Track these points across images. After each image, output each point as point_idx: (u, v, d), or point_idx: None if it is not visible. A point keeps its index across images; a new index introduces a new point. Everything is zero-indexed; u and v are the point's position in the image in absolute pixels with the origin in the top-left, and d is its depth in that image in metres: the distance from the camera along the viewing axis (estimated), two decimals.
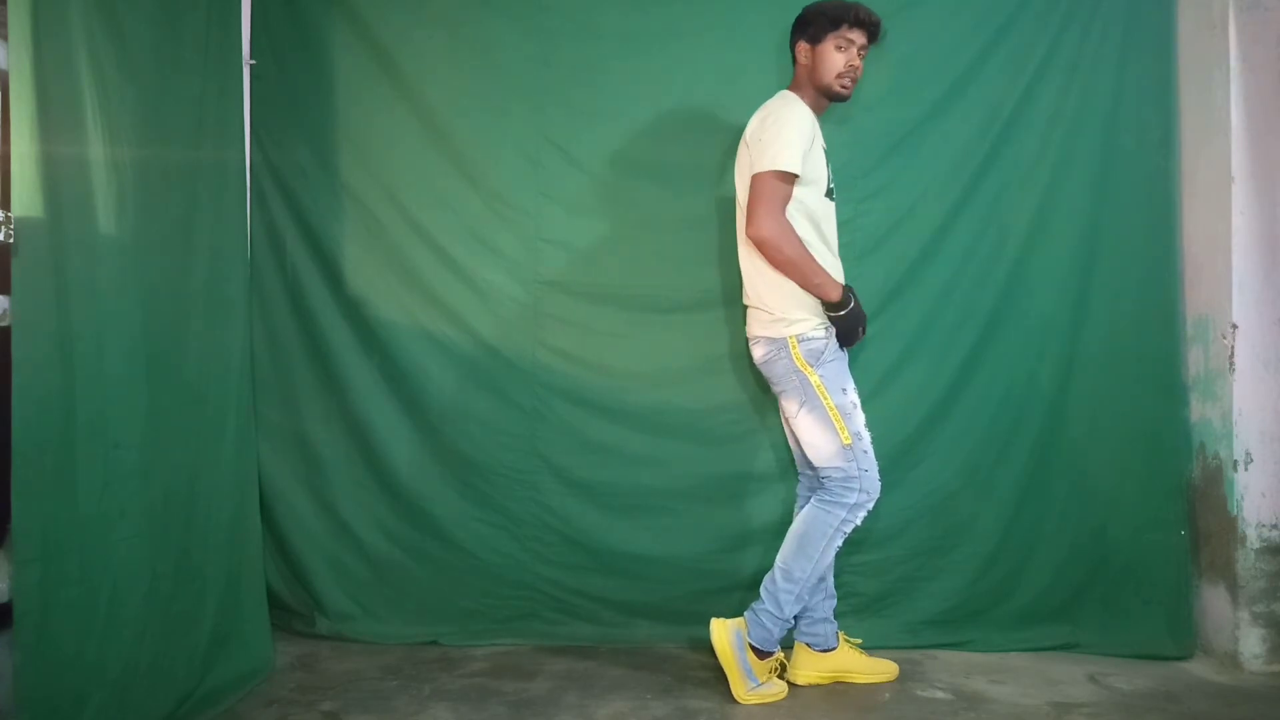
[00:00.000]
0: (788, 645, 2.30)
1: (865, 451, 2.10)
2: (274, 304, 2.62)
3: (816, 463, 2.14)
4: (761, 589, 2.17)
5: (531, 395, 2.58)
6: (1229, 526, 2.40)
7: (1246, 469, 2.38)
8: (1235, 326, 2.39)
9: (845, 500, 2.09)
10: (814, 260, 2.06)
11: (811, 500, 2.16)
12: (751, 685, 2.12)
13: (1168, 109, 2.57)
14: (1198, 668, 2.38)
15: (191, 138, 2.07)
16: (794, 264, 2.04)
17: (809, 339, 2.09)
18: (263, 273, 2.60)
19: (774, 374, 2.16)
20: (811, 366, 2.08)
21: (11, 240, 1.53)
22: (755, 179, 2.05)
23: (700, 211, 2.59)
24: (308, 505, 2.60)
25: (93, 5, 1.70)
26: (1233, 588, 2.38)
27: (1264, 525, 2.37)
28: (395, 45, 2.59)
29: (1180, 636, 2.46)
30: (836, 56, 2.13)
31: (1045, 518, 2.55)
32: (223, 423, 2.14)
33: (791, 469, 2.58)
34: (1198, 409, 2.52)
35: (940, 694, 2.19)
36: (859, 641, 2.34)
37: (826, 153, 2.19)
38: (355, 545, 2.58)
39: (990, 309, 2.56)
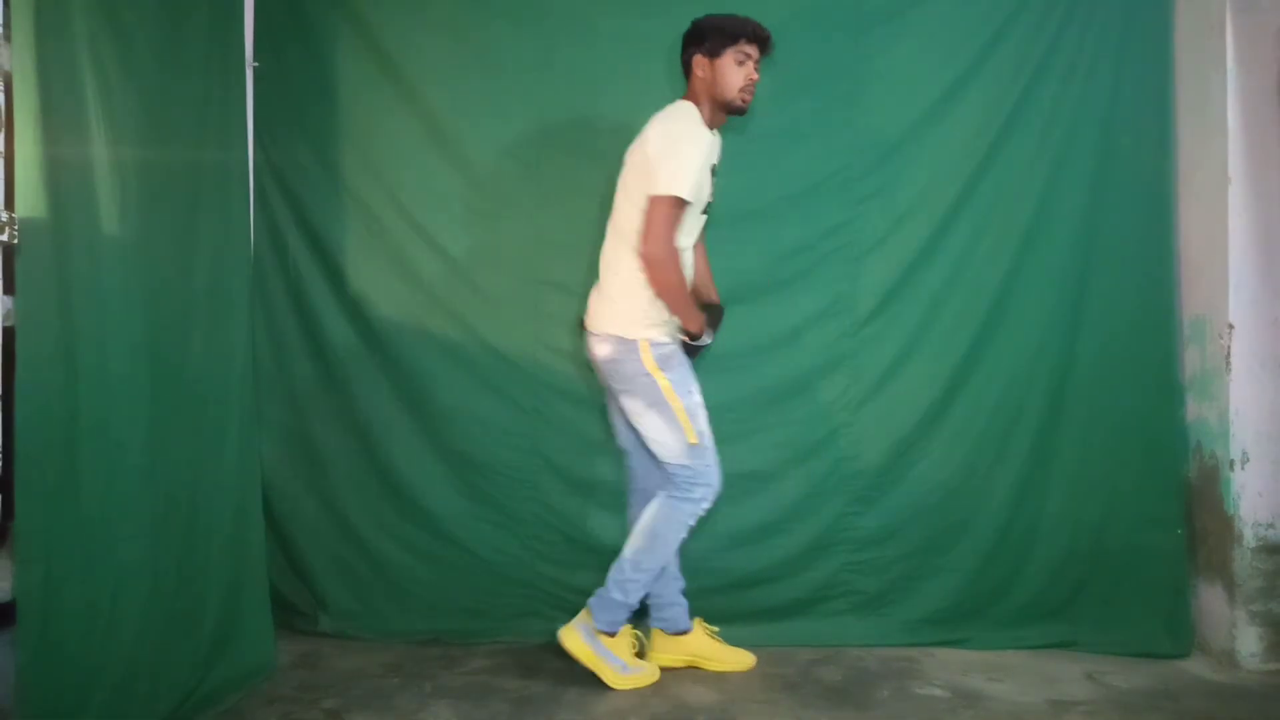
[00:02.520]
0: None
1: (709, 449, 2.19)
2: (276, 304, 2.63)
3: (664, 459, 2.20)
4: (609, 579, 2.23)
5: (532, 395, 2.59)
6: (1226, 526, 2.41)
7: (1243, 468, 2.38)
8: (1232, 327, 2.40)
9: (692, 495, 2.18)
10: (687, 292, 2.16)
11: (661, 495, 2.23)
12: (620, 669, 2.20)
13: (1165, 110, 2.57)
14: (1195, 666, 2.39)
15: (194, 138, 2.08)
16: (672, 291, 2.11)
17: (660, 344, 2.16)
18: (265, 273, 2.61)
19: (620, 373, 2.19)
20: (661, 370, 2.14)
21: (15, 241, 1.54)
22: (654, 200, 2.07)
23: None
24: (310, 504, 2.61)
25: (95, 6, 1.70)
26: (1229, 587, 2.39)
27: (1260, 524, 2.37)
28: (397, 47, 2.60)
29: (1177, 635, 2.46)
30: (737, 71, 2.15)
31: (1043, 517, 2.56)
32: (225, 422, 2.15)
33: (791, 468, 2.60)
34: (1194, 409, 2.53)
35: (938, 692, 2.20)
36: (716, 630, 2.38)
37: (715, 168, 2.21)
38: (357, 543, 2.59)
39: (988, 309, 2.57)
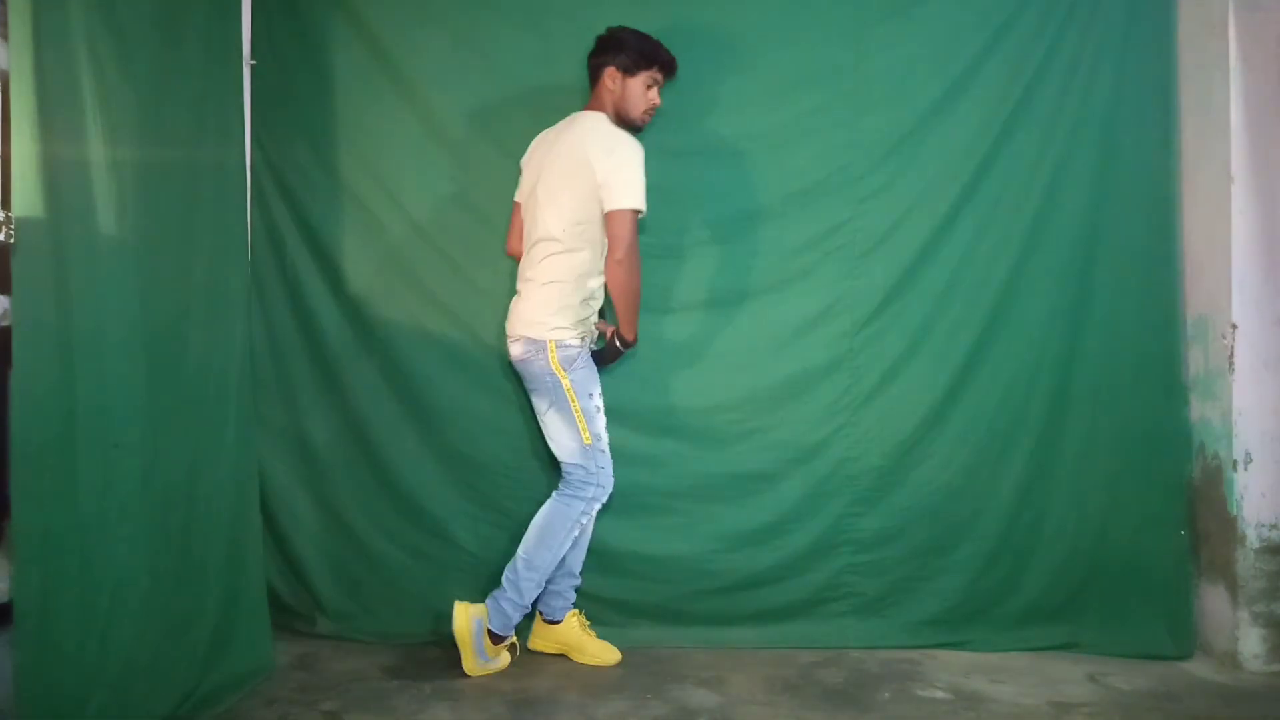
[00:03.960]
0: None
1: (603, 451, 2.29)
2: (274, 304, 2.62)
3: (560, 458, 2.31)
4: (504, 578, 2.30)
5: None
6: (1229, 526, 2.40)
7: (1246, 469, 2.38)
8: (1235, 326, 2.39)
9: (583, 494, 2.28)
10: (637, 303, 2.27)
11: (554, 495, 2.32)
12: (483, 660, 2.28)
13: (1168, 109, 2.56)
14: (1197, 668, 2.38)
15: (192, 138, 2.07)
16: (631, 298, 2.25)
17: (566, 345, 2.24)
18: (263, 272, 2.61)
19: (530, 373, 2.29)
20: (565, 371, 2.24)
21: (12, 240, 1.53)
22: (619, 216, 2.18)
23: (700, 212, 2.59)
24: (308, 505, 2.60)
25: (93, 6, 1.70)
26: (1232, 587, 2.38)
27: (1264, 525, 2.37)
28: (396, 45, 2.60)
29: (1180, 636, 2.46)
30: (644, 95, 2.31)
31: (1045, 518, 2.55)
32: (223, 422, 2.14)
33: (792, 469, 2.59)
34: (1197, 409, 2.52)
35: (940, 694, 2.20)
36: (589, 623, 2.44)
37: None
38: (355, 544, 2.59)
39: (990, 309, 2.56)
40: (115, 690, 1.69)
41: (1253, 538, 2.36)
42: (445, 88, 2.59)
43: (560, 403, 2.25)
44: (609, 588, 2.56)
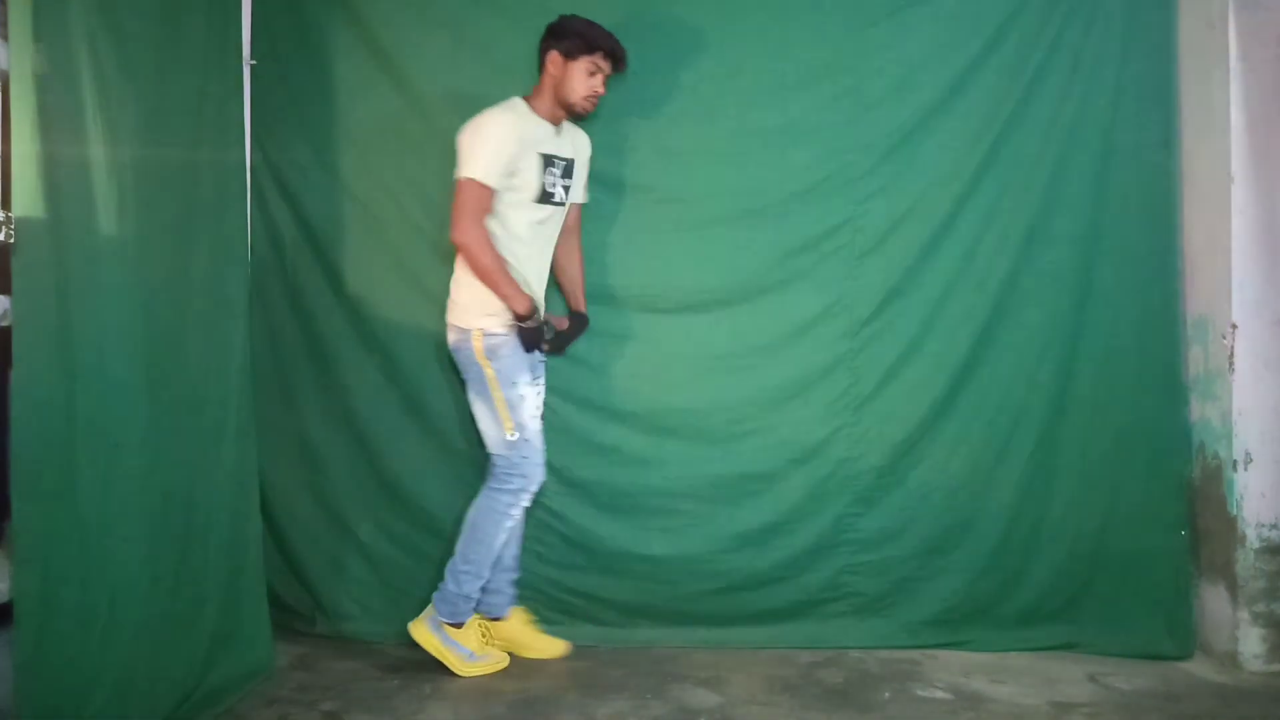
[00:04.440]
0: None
1: (528, 441, 2.27)
2: (274, 304, 2.62)
3: (488, 448, 2.31)
4: (446, 570, 2.33)
5: None
6: (1229, 526, 2.40)
7: (1246, 469, 2.38)
8: (1235, 326, 2.39)
9: (508, 486, 2.27)
10: (505, 273, 2.22)
11: (483, 487, 2.33)
12: (465, 656, 2.28)
13: (1168, 108, 2.56)
14: (1197, 668, 2.38)
15: (192, 138, 2.07)
16: (487, 272, 2.20)
17: (491, 334, 2.24)
18: (263, 273, 2.60)
19: (459, 361, 2.32)
20: (489, 360, 2.24)
21: (12, 240, 1.53)
22: (457, 184, 2.20)
23: (700, 212, 2.59)
24: (308, 505, 2.60)
25: (93, 5, 1.70)
26: (1232, 587, 2.38)
27: (1264, 525, 2.36)
28: (396, 45, 2.59)
29: (1180, 636, 2.45)
30: (585, 80, 2.30)
31: (1045, 518, 2.55)
32: (223, 423, 2.14)
33: (792, 469, 2.59)
34: (1197, 409, 2.52)
35: (940, 694, 2.20)
36: (533, 618, 2.47)
37: (552, 159, 2.30)
38: (355, 545, 2.59)
39: (990, 309, 2.56)
40: (115, 690, 1.69)
41: (1253, 538, 2.36)
42: (446, 88, 2.58)
43: (484, 392, 2.26)
44: (609, 588, 2.56)
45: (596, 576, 2.55)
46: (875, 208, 2.57)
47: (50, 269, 1.59)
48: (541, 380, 2.45)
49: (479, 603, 2.38)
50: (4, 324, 1.60)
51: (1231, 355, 2.39)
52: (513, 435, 2.25)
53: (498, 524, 2.29)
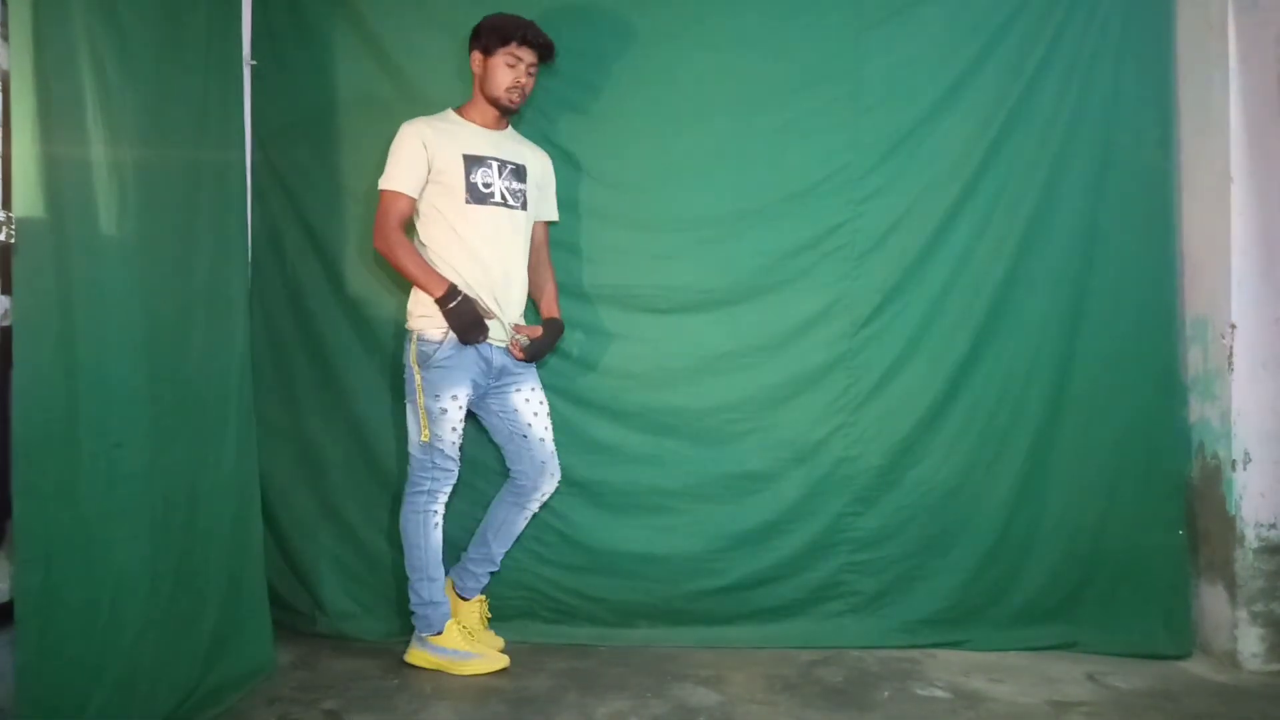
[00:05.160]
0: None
1: (444, 452, 2.29)
2: (275, 304, 2.62)
3: (408, 446, 2.33)
4: (409, 593, 2.36)
5: None
6: (1227, 526, 2.40)
7: (1245, 469, 2.38)
8: (1234, 326, 2.40)
9: (421, 487, 2.31)
10: (421, 265, 2.24)
11: (534, 507, 2.42)
12: (457, 658, 2.29)
13: (1166, 109, 2.57)
14: (1196, 667, 2.39)
15: (192, 138, 2.07)
16: (405, 270, 2.25)
17: (423, 340, 2.26)
18: (263, 272, 2.61)
19: (403, 360, 2.33)
20: (418, 366, 2.26)
21: (13, 240, 1.53)
22: (379, 194, 2.27)
23: (700, 212, 2.59)
24: (308, 504, 2.60)
25: (94, 5, 1.70)
26: (1231, 587, 2.38)
27: (1262, 525, 2.37)
28: (396, 46, 2.60)
29: (1178, 636, 2.46)
30: (506, 72, 2.30)
31: (1043, 517, 2.55)
32: (224, 422, 2.14)
33: (791, 468, 2.59)
34: (1196, 409, 2.52)
35: (939, 693, 2.20)
36: (490, 618, 2.49)
37: (482, 160, 2.29)
38: (355, 544, 2.59)
39: (988, 308, 2.56)
40: (116, 690, 1.69)
41: (1251, 537, 2.37)
42: (445, 88, 2.58)
43: (411, 396, 2.28)
44: (609, 587, 2.57)
45: (596, 576, 2.56)
46: (874, 208, 2.58)
47: (51, 269, 1.59)
48: (535, 388, 2.41)
49: (453, 573, 2.44)
50: (5, 324, 1.60)
51: (1230, 355, 2.40)
52: (427, 441, 2.27)
53: (421, 524, 2.31)
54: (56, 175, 1.60)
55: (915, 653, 2.47)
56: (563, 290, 2.57)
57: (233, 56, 2.31)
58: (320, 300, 2.61)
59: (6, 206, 1.57)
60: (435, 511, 2.34)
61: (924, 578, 2.56)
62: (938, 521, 2.57)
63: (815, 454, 2.58)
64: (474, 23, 2.60)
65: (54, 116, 1.60)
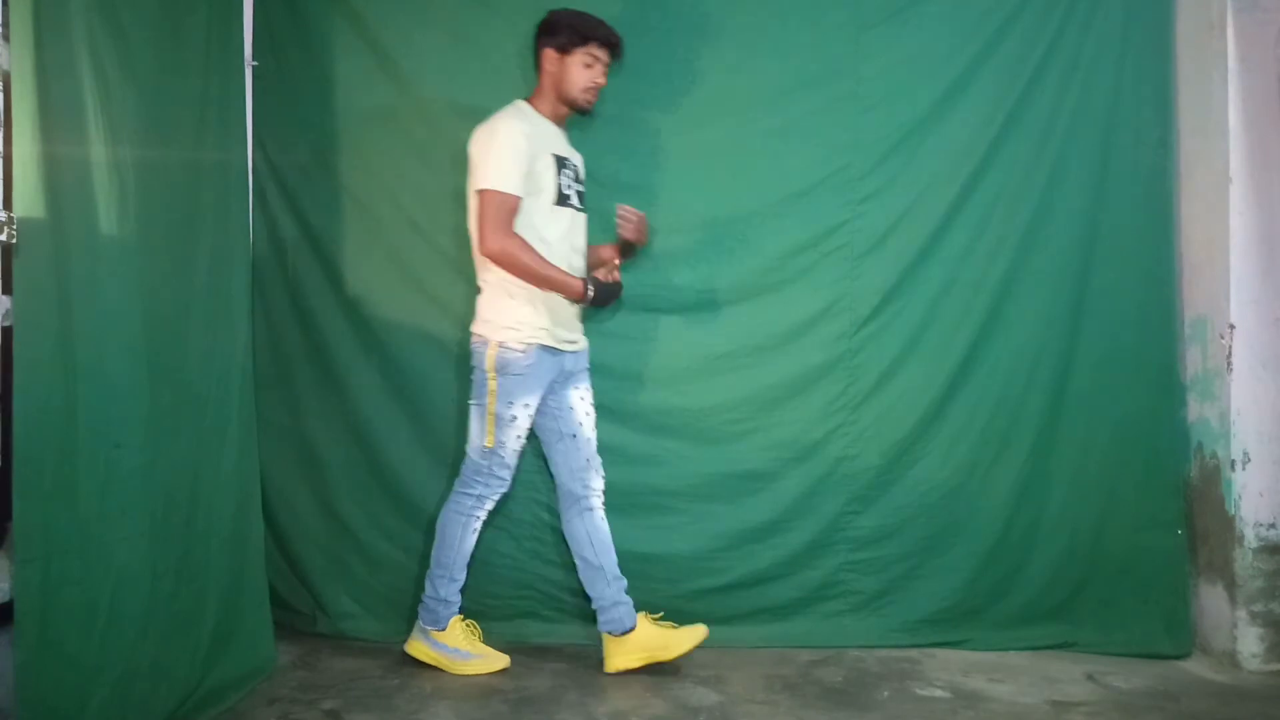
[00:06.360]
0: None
1: (503, 460, 2.27)
2: (275, 304, 2.62)
3: (467, 447, 2.31)
4: (426, 584, 2.34)
5: None
6: (1227, 526, 2.40)
7: (1244, 468, 2.38)
8: (1233, 327, 2.40)
9: (472, 490, 2.29)
10: (549, 265, 2.19)
11: (597, 502, 2.37)
12: (459, 657, 2.29)
13: (1166, 109, 2.57)
14: (1195, 667, 2.39)
15: (193, 138, 2.07)
16: (530, 271, 2.18)
17: (507, 348, 2.21)
18: (264, 273, 2.61)
19: (473, 363, 2.29)
20: (496, 372, 2.21)
21: (13, 241, 1.53)
22: (478, 196, 2.18)
23: (700, 212, 2.60)
24: (308, 505, 2.60)
25: (94, 6, 1.70)
26: (1230, 587, 2.38)
27: (1261, 525, 2.37)
28: (396, 46, 2.60)
29: (1178, 635, 2.46)
30: (583, 72, 2.26)
31: (1043, 517, 2.56)
32: (224, 423, 2.14)
33: (790, 468, 2.59)
34: (1195, 409, 2.52)
35: (939, 693, 2.20)
36: (659, 616, 2.36)
37: (564, 161, 2.26)
38: (355, 545, 2.59)
39: (988, 309, 2.56)
40: (116, 690, 1.69)
41: (1250, 537, 2.37)
42: (446, 88, 2.59)
43: (481, 400, 2.25)
44: None
45: None
46: (874, 208, 2.58)
47: (51, 269, 1.59)
48: (588, 388, 2.39)
49: (605, 624, 2.32)
50: (5, 324, 1.60)
51: (1229, 355, 2.40)
52: (490, 447, 2.24)
53: (462, 526, 2.30)
54: (57, 175, 1.60)
55: (915, 652, 2.48)
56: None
57: (234, 57, 2.31)
58: (320, 300, 2.61)
59: (7, 206, 1.57)
60: (478, 517, 2.32)
61: (924, 577, 2.56)
62: (937, 521, 2.57)
63: (815, 454, 2.58)
64: (473, 23, 2.62)
65: (54, 116, 1.60)
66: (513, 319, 2.21)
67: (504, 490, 2.32)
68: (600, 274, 2.30)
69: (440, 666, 2.30)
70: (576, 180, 2.33)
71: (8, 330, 1.59)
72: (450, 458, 2.58)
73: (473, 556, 2.55)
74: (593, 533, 2.36)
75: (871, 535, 2.57)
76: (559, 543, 2.58)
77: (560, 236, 2.26)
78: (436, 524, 2.35)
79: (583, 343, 2.38)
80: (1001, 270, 2.56)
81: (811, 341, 2.59)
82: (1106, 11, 2.56)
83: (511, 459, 2.29)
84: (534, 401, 2.27)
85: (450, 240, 2.60)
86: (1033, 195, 2.56)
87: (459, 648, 2.30)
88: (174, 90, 1.98)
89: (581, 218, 2.34)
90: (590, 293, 2.23)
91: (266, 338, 2.60)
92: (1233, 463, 2.39)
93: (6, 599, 1.58)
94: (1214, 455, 2.45)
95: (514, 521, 2.58)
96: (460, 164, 2.60)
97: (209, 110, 2.14)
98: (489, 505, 2.32)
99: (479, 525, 2.32)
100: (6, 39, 1.57)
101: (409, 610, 2.55)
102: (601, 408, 2.58)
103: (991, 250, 2.57)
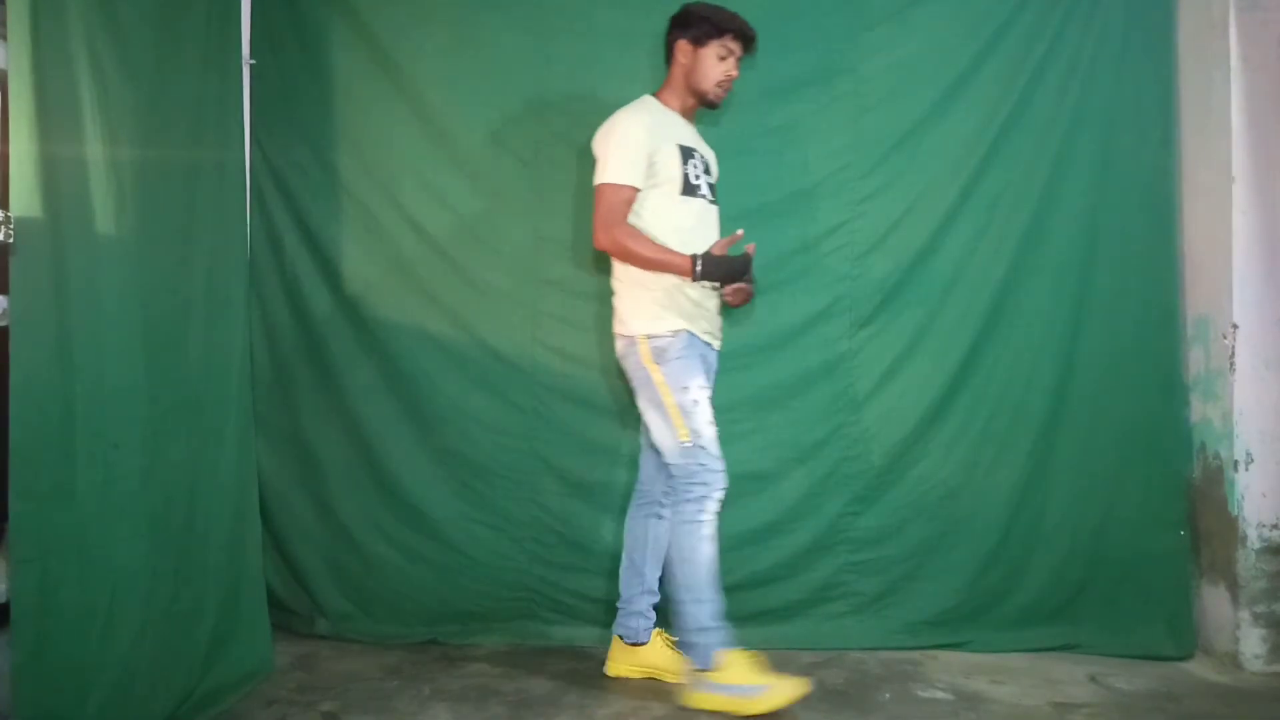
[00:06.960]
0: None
1: (704, 448, 2.11)
2: (273, 304, 2.62)
3: (664, 457, 2.17)
4: (675, 622, 2.14)
5: (531, 395, 2.58)
6: (1229, 526, 2.39)
7: (1247, 469, 2.38)
8: (1236, 326, 2.39)
9: (689, 495, 2.12)
10: (658, 248, 2.11)
11: (669, 514, 2.20)
12: (749, 694, 2.04)
13: (1168, 108, 2.56)
14: (1198, 668, 2.38)
15: (191, 137, 2.07)
16: (641, 257, 2.12)
17: (656, 337, 2.14)
18: (262, 272, 2.60)
19: (627, 369, 2.22)
20: (656, 364, 2.13)
21: (10, 240, 1.53)
22: (595, 193, 2.14)
23: None
24: (306, 506, 2.60)
25: (92, 5, 1.70)
26: (1233, 588, 2.38)
27: (1264, 525, 2.36)
28: (394, 44, 2.59)
29: (1180, 637, 2.45)
30: (717, 65, 2.21)
31: (1045, 517, 2.55)
32: (222, 423, 2.14)
33: (791, 468, 2.58)
34: (1198, 409, 2.52)
35: (941, 694, 2.19)
36: (676, 641, 2.27)
37: (690, 151, 2.20)
38: (353, 546, 2.58)
39: (989, 308, 2.56)
40: (114, 690, 1.68)
41: (1253, 538, 2.36)
42: (445, 87, 2.58)
43: (654, 398, 2.13)
44: (609, 588, 2.55)
45: (596, 577, 2.55)
46: (874, 208, 2.57)
47: (49, 269, 1.59)
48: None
49: (621, 627, 2.28)
50: (3, 323, 1.59)
51: (1232, 355, 2.39)
52: (687, 441, 2.10)
53: (696, 536, 2.09)
54: (54, 175, 1.59)
55: (916, 654, 2.47)
56: (561, 288, 2.58)
57: (232, 56, 2.31)
58: (319, 300, 2.61)
59: (4, 206, 1.56)
60: (705, 521, 2.10)
61: (925, 578, 2.56)
62: (939, 522, 2.56)
63: (815, 454, 2.58)
64: (471, 21, 2.61)
65: (52, 116, 1.60)
66: (653, 311, 2.14)
67: (724, 484, 2.12)
68: (715, 248, 2.16)
69: (734, 711, 2.02)
70: (706, 172, 2.26)
71: (5, 330, 1.58)
72: (449, 457, 2.58)
73: (471, 557, 2.56)
74: (652, 540, 2.28)
75: (872, 536, 2.56)
76: (559, 544, 2.57)
77: (692, 226, 2.18)
78: (670, 558, 2.16)
79: (719, 342, 2.29)
80: (1002, 270, 2.56)
81: (811, 341, 2.58)
82: (1107, 11, 2.55)
83: (714, 446, 2.12)
84: (706, 383, 2.16)
85: (449, 238, 2.60)
86: (1033, 195, 2.55)
87: (744, 684, 2.04)
88: (172, 89, 1.98)
89: (714, 210, 2.27)
90: (699, 267, 2.10)
91: (264, 337, 2.59)
92: (1235, 463, 2.38)
93: (4, 600, 1.58)
94: (1217, 456, 2.45)
95: (514, 523, 2.57)
96: (460, 162, 2.61)
97: (207, 109, 2.13)
98: (712, 505, 2.11)
99: (711, 530, 2.11)
100: (4, 37, 1.57)
101: (407, 612, 2.55)
102: (602, 408, 2.59)
103: (992, 250, 2.56)
